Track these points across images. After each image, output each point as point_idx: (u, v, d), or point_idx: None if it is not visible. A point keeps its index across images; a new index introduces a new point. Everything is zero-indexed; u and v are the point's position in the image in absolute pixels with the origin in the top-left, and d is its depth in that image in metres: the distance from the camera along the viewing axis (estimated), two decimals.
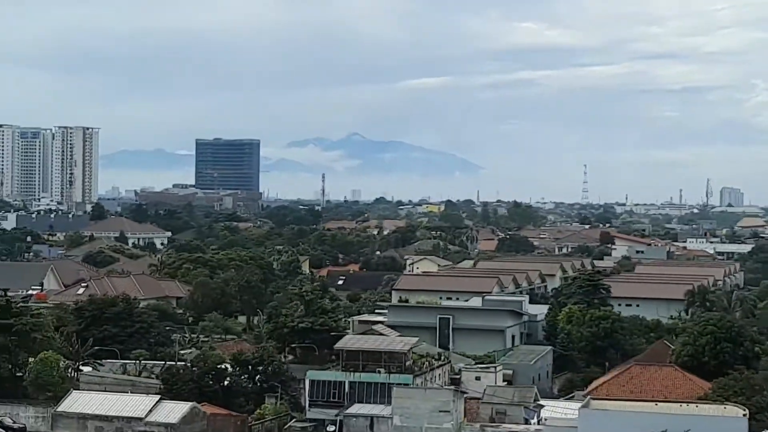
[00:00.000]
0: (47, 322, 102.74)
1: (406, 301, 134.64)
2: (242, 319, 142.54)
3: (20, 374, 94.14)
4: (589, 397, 79.23)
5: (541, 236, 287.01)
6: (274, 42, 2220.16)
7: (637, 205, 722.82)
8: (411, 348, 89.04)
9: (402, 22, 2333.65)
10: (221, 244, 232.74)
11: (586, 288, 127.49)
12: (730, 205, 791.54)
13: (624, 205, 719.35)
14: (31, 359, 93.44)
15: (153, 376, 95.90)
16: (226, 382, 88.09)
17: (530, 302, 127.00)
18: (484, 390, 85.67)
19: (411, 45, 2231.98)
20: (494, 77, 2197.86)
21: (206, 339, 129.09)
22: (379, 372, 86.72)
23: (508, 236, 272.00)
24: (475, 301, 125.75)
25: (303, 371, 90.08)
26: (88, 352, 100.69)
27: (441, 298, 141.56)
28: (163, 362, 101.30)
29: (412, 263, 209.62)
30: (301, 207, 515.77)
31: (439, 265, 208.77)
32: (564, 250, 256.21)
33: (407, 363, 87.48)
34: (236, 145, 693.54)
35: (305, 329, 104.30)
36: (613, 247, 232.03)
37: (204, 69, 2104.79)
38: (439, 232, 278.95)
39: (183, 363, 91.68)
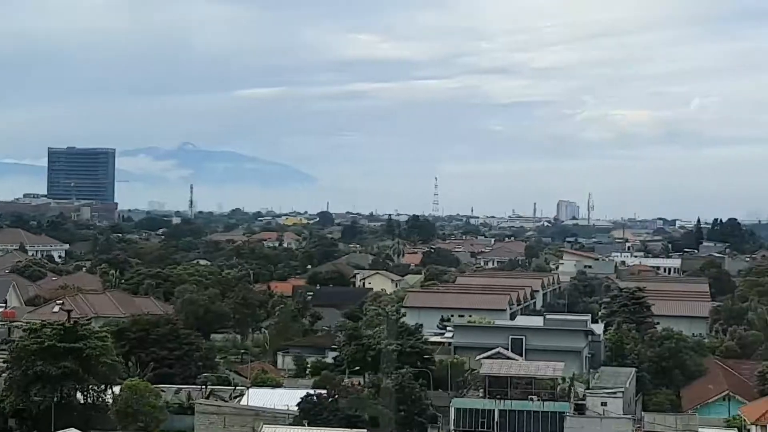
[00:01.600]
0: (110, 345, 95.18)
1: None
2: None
3: (96, 402, 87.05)
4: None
5: (457, 249, 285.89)
6: (108, 50, 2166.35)
7: (491, 217, 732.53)
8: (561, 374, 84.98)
9: (236, 32, 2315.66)
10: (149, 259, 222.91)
11: (631, 306, 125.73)
12: (574, 218, 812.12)
13: (477, 218, 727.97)
14: (109, 386, 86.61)
15: (225, 400, 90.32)
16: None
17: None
18: (641, 418, 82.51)
19: (245, 54, 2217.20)
20: (329, 88, 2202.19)
21: (236, 359, 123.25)
22: (532, 400, 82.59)
23: (432, 250, 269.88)
24: (524, 320, 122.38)
25: None
26: (148, 377, 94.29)
27: (452, 315, 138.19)
28: (233, 387, 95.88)
29: (364, 278, 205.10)
30: (165, 218, 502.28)
31: (392, 280, 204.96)
32: (491, 264, 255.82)
33: (563, 390, 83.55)
34: (90, 154, 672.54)
35: (395, 353, 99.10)
36: (561, 261, 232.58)
37: (45, 77, 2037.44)
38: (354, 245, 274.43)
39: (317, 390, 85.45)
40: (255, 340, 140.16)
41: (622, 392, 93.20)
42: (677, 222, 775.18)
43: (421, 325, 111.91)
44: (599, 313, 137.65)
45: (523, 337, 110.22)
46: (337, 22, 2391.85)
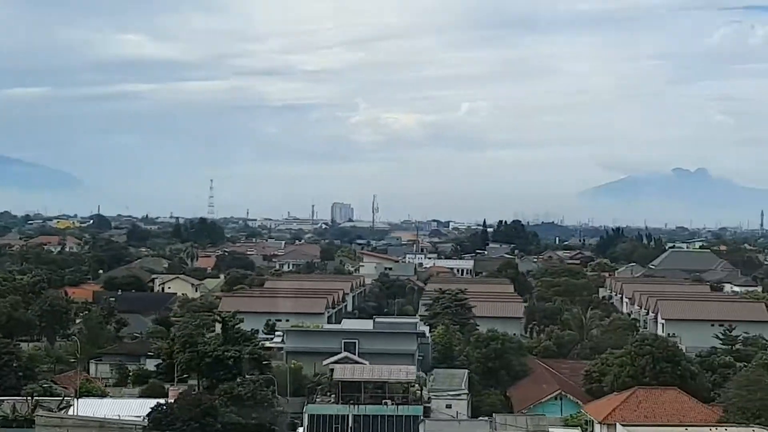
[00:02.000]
0: None
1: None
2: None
3: None
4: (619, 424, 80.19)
5: (249, 252, 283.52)
6: None
7: (268, 219, 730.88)
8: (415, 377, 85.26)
9: None
10: None
11: (455, 308, 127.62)
12: (350, 220, 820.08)
13: (255, 220, 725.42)
14: None
15: (55, 411, 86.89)
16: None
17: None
18: (493, 419, 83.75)
19: (4, 54, 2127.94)
20: (97, 89, 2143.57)
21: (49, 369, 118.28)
22: (386, 404, 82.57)
23: (226, 253, 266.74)
24: (353, 323, 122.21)
25: None
26: None
27: (270, 320, 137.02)
28: (61, 398, 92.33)
29: (163, 283, 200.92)
30: None
31: (192, 284, 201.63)
32: (286, 267, 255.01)
33: (414, 393, 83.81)
34: None
35: (232, 359, 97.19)
36: (362, 264, 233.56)
37: None
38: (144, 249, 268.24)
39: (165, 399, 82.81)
40: (63, 348, 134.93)
41: (467, 394, 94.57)
42: (451, 224, 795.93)
43: (257, 330, 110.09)
44: (417, 315, 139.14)
45: (356, 341, 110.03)
46: (104, 22, 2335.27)
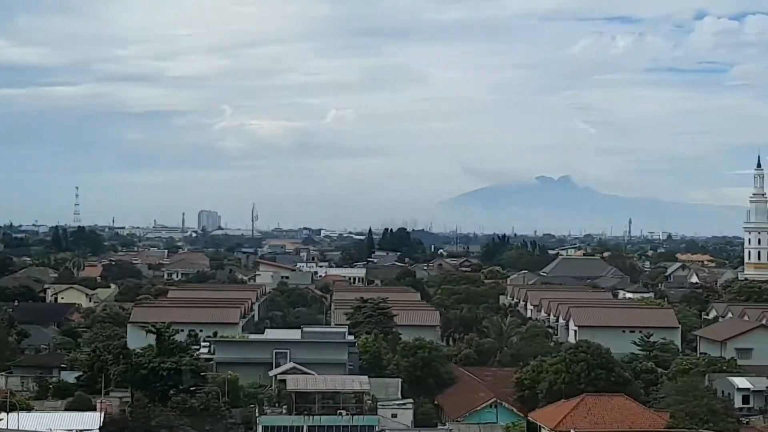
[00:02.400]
0: None
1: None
2: None
3: None
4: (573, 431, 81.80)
5: (134, 261, 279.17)
6: None
7: (136, 228, 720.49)
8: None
9: None
10: None
11: (377, 317, 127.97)
12: (220, 228, 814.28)
13: (123, 228, 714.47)
14: None
15: None
16: None
17: None
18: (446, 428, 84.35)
19: None
20: None
21: None
22: (341, 414, 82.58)
23: (113, 262, 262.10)
24: (279, 333, 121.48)
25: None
26: None
27: (182, 330, 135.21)
28: None
29: (56, 293, 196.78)
30: None
31: (86, 294, 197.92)
32: (175, 276, 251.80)
33: (368, 403, 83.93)
34: None
35: (169, 370, 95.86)
36: (258, 273, 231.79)
37: None
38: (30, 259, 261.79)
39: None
40: None
41: (412, 403, 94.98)
42: (322, 231, 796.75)
43: (195, 341, 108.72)
44: (333, 324, 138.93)
45: (287, 351, 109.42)
46: None
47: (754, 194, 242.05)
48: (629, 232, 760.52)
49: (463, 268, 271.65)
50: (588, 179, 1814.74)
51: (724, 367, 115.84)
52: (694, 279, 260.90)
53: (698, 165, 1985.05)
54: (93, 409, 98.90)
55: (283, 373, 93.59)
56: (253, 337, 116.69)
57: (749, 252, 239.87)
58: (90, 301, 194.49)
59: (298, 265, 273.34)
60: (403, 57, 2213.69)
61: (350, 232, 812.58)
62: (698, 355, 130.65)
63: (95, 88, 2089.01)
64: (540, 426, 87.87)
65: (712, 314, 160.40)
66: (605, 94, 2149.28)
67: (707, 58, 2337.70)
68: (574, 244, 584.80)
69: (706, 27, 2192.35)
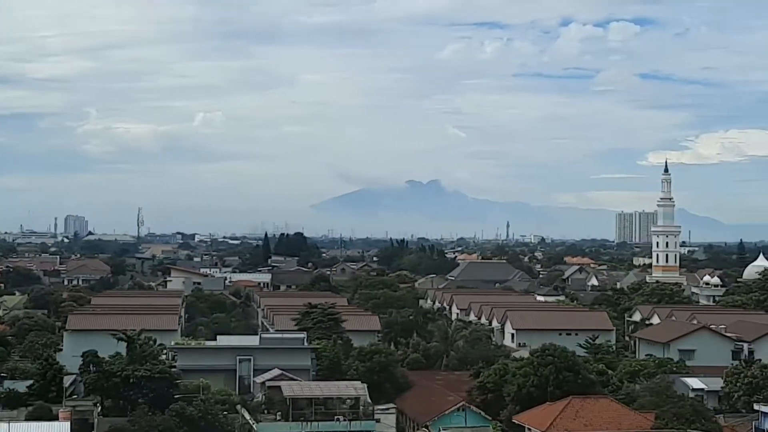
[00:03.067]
0: None
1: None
2: None
3: None
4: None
5: (29, 267, 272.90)
6: None
7: (5, 233, 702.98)
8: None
9: None
10: None
11: (327, 322, 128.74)
12: (90, 233, 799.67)
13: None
14: None
15: None
16: None
17: None
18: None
19: None
20: None
21: None
22: (339, 420, 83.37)
23: (10, 268, 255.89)
24: (236, 340, 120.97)
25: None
26: None
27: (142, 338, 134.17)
28: None
29: None
30: None
31: None
32: (75, 282, 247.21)
33: (366, 408, 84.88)
34: None
35: (142, 378, 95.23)
36: (169, 279, 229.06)
37: None
38: None
39: None
40: None
41: (395, 407, 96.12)
42: (196, 236, 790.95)
43: (162, 349, 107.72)
44: (274, 330, 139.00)
45: (251, 357, 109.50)
46: None
47: (661, 198, 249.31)
48: (507, 235, 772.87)
49: (362, 272, 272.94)
50: (458, 183, 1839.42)
51: (674, 368, 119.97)
52: (594, 282, 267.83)
53: (565, 169, 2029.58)
54: (55, 418, 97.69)
55: (271, 379, 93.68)
56: (210, 343, 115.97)
57: (657, 255, 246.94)
58: None
59: (202, 270, 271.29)
60: (273, 60, 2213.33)
61: (224, 237, 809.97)
62: (637, 356, 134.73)
63: None
64: (528, 428, 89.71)
65: (636, 316, 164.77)
66: (475, 99, 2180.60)
67: (573, 63, 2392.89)
68: (451, 248, 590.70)
69: (572, 33, 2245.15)
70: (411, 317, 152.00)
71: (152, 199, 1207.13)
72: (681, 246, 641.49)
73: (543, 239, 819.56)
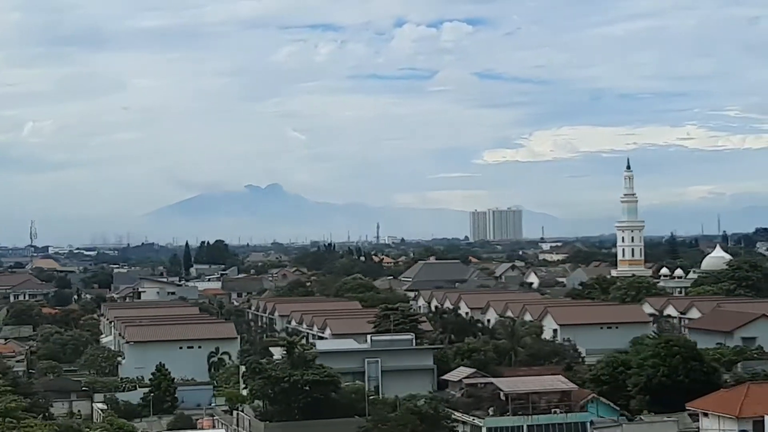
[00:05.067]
0: None
1: None
2: None
3: None
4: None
5: None
6: None
7: None
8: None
9: None
10: None
11: (409, 324, 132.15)
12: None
13: None
14: None
15: None
16: None
17: None
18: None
19: None
20: None
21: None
22: (555, 412, 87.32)
23: None
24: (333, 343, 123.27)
25: None
26: None
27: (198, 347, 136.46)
28: None
29: None
30: None
31: None
32: (22, 298, 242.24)
33: (577, 402, 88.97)
34: None
35: (311, 382, 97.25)
36: (142, 289, 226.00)
37: None
38: None
39: None
40: None
41: None
42: (49, 248, 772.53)
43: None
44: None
45: (378, 360, 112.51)
46: None
47: (625, 195, 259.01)
48: (378, 237, 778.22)
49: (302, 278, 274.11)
50: (298, 186, 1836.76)
51: (755, 355, 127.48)
52: (532, 279, 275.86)
53: (403, 169, 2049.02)
54: (194, 426, 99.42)
55: (468, 377, 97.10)
56: (321, 347, 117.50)
57: (623, 250, 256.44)
58: None
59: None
60: (101, 65, 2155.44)
61: (79, 248, 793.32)
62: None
63: None
64: (717, 415, 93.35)
65: (648, 309, 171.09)
66: (311, 101, 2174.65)
67: (409, 64, 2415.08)
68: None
69: (405, 34, 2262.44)
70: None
71: None
72: (541, 242, 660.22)
73: (403, 240, 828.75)
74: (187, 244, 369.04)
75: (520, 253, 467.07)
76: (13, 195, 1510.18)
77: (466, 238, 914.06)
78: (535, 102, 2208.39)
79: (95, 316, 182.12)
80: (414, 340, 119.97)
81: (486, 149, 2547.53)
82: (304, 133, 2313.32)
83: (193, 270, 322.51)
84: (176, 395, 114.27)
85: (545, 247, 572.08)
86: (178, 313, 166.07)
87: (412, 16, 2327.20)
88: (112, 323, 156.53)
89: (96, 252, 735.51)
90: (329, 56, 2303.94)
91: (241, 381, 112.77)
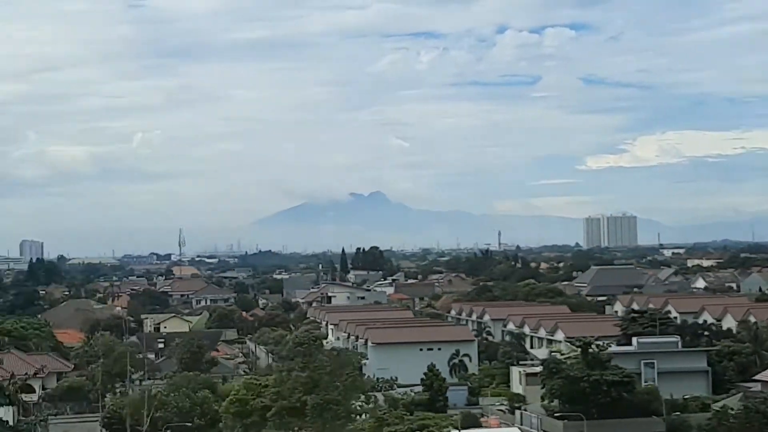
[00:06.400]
0: None
1: None
2: None
3: None
4: None
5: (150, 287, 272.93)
6: None
7: None
8: None
9: None
10: None
11: (659, 326, 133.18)
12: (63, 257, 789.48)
13: None
14: None
15: None
16: None
17: None
18: None
19: None
20: None
21: None
22: None
23: (137, 290, 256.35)
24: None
25: None
26: None
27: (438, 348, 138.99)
28: None
29: (157, 323, 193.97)
30: None
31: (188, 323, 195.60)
32: (204, 303, 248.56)
33: None
34: None
35: (610, 383, 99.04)
36: (332, 294, 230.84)
37: None
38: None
39: None
40: None
41: None
42: (172, 255, 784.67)
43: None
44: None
45: (654, 361, 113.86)
46: None
47: None
48: (500, 244, 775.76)
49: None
50: (400, 194, 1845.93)
51: None
52: (699, 284, 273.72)
53: (505, 176, 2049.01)
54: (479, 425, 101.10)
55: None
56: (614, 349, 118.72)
57: None
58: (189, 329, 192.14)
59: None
60: (206, 77, 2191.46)
61: (200, 256, 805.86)
62: None
63: None
64: None
65: None
66: (413, 109, 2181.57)
67: (510, 71, 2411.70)
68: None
69: (507, 40, 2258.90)
70: None
71: (92, 221, 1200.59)
72: (661, 248, 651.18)
73: (518, 247, 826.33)
74: (343, 250, 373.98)
75: (648, 259, 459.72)
76: (121, 204, 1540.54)
77: (577, 244, 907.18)
78: (638, 107, 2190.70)
79: (311, 318, 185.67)
80: (680, 343, 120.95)
81: (589, 155, 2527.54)
82: (405, 141, 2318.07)
83: (351, 276, 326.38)
84: (446, 395, 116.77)
85: (667, 253, 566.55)
86: (395, 316, 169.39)
87: (514, 23, 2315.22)
88: (338, 325, 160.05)
89: (217, 260, 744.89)
90: (431, 64, 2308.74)
91: (523, 381, 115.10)
